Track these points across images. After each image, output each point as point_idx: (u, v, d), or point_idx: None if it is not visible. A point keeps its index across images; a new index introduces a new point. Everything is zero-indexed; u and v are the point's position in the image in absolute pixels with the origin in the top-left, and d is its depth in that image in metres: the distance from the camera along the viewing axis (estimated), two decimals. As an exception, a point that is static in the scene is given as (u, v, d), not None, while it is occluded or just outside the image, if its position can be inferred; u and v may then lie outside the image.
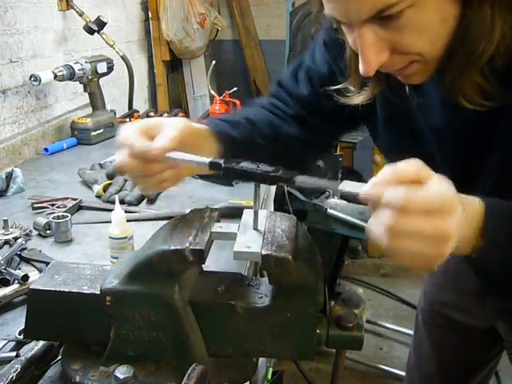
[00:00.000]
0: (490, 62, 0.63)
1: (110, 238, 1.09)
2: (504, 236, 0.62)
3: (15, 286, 0.94)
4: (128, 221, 1.12)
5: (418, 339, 1.26)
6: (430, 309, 1.19)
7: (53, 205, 1.37)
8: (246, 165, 0.66)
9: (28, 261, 1.09)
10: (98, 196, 1.47)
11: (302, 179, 0.62)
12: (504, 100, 0.65)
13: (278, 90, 0.97)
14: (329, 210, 2.36)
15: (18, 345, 0.80)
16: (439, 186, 0.54)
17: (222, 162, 0.67)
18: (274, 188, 2.14)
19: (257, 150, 0.88)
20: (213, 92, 2.61)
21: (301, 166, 0.83)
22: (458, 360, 1.18)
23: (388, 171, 0.56)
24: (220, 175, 0.68)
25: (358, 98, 0.79)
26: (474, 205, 0.62)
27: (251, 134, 0.89)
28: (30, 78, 1.85)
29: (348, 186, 0.58)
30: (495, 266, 0.66)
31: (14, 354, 0.76)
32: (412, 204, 0.53)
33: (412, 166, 0.55)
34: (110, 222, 1.11)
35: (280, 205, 2.37)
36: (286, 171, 0.64)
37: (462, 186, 0.80)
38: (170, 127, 0.73)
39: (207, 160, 0.68)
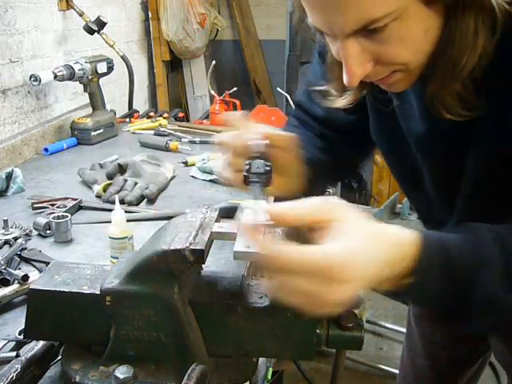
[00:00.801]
0: (470, 73, 0.63)
1: (110, 238, 1.09)
2: (439, 271, 0.58)
3: (15, 286, 0.94)
4: (128, 221, 1.12)
5: (409, 333, 1.29)
6: None
7: (53, 205, 1.37)
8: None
9: (28, 261, 1.09)
10: (98, 196, 1.47)
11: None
12: (481, 110, 0.65)
13: (297, 112, 0.98)
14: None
15: (18, 345, 0.80)
16: (322, 251, 0.53)
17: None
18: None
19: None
20: (213, 92, 2.61)
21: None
22: (447, 353, 1.19)
23: (289, 211, 0.57)
24: None
25: (340, 102, 0.80)
26: (402, 245, 0.58)
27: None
28: (30, 78, 1.85)
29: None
30: (436, 304, 0.63)
31: (14, 354, 0.76)
32: (294, 266, 0.52)
33: (315, 210, 0.56)
34: (110, 222, 1.11)
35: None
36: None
37: (446, 189, 0.81)
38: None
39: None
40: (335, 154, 0.93)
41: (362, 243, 0.54)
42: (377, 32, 0.61)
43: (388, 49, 0.63)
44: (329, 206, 0.57)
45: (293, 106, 2.43)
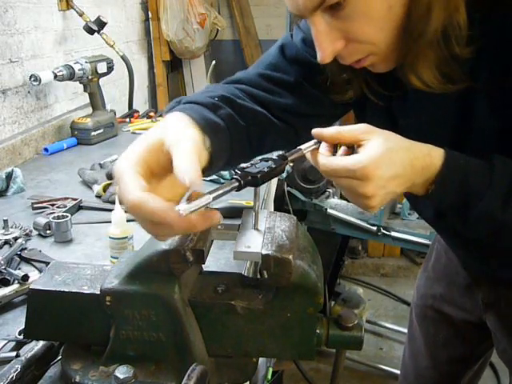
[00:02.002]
0: (449, 49, 0.67)
1: (110, 238, 1.09)
2: (457, 182, 0.68)
3: (15, 286, 0.94)
4: (128, 221, 1.12)
5: (411, 333, 1.29)
6: (422, 303, 1.21)
7: (53, 205, 1.37)
8: (253, 169, 0.65)
9: (28, 261, 1.09)
10: (98, 196, 1.47)
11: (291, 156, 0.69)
12: (466, 82, 0.69)
13: (277, 57, 0.93)
14: (329, 210, 2.37)
15: (18, 345, 0.80)
16: (357, 156, 0.64)
17: (249, 177, 0.63)
18: (274, 188, 2.14)
19: (238, 133, 0.83)
20: (213, 92, 2.61)
21: (290, 145, 0.81)
22: (450, 353, 1.20)
23: (331, 130, 0.67)
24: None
25: (342, 97, 0.84)
26: (430, 157, 0.67)
27: (233, 118, 0.82)
28: (30, 78, 1.85)
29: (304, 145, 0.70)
30: (444, 207, 0.73)
31: (14, 354, 0.76)
32: (328, 170, 0.66)
33: (353, 130, 0.66)
34: (110, 222, 1.11)
35: (280, 205, 2.37)
36: (275, 159, 0.67)
37: None
38: (180, 160, 0.60)
39: (235, 183, 0.62)
40: (287, 110, 0.90)
41: (393, 153, 0.65)
42: (340, 8, 0.65)
43: (353, 25, 0.66)
44: (364, 129, 0.67)
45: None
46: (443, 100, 0.73)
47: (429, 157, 0.67)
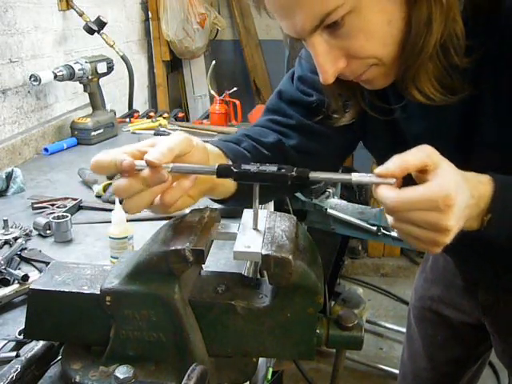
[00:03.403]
0: (448, 60, 0.66)
1: (110, 237, 1.09)
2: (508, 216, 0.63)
3: (15, 286, 0.94)
4: (128, 221, 1.12)
5: (409, 334, 1.29)
6: (420, 305, 1.22)
7: (53, 205, 1.37)
8: (252, 167, 0.65)
9: (28, 261, 1.09)
10: (98, 196, 1.47)
11: (315, 174, 0.64)
12: (466, 92, 0.68)
13: (277, 102, 0.96)
14: (329, 210, 2.36)
15: (18, 345, 0.80)
16: (435, 183, 0.57)
17: (231, 166, 0.64)
18: (274, 188, 2.13)
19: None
20: (213, 92, 2.61)
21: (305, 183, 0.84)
22: (448, 355, 1.20)
23: (395, 162, 0.59)
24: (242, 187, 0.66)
25: (343, 119, 0.83)
26: (482, 184, 0.63)
27: (257, 147, 0.87)
28: (30, 78, 1.85)
29: (357, 177, 0.61)
30: (503, 240, 0.68)
31: (14, 354, 0.76)
32: (400, 205, 0.57)
33: (419, 155, 0.58)
34: (110, 222, 1.11)
35: (280, 205, 2.37)
36: (298, 169, 0.64)
37: None
38: (166, 140, 0.66)
39: (214, 166, 0.64)
40: (294, 150, 0.91)
41: (460, 179, 0.59)
42: (337, 27, 0.64)
43: (352, 42, 0.65)
44: (427, 152, 0.59)
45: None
46: (446, 110, 0.72)
47: (481, 184, 0.63)
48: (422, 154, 0.58)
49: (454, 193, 0.56)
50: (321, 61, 0.67)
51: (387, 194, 0.58)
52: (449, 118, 0.74)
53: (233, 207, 0.87)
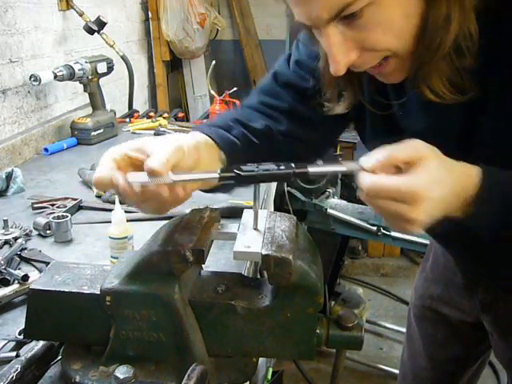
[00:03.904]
0: (461, 59, 0.66)
1: (110, 237, 1.09)
2: (497, 204, 0.65)
3: (15, 286, 0.94)
4: (128, 221, 1.12)
5: (409, 334, 1.29)
6: (420, 303, 1.22)
7: (53, 205, 1.37)
8: (252, 167, 0.65)
9: (28, 261, 1.09)
10: (98, 196, 1.47)
11: (313, 169, 0.65)
12: (473, 92, 0.68)
13: (271, 84, 0.94)
14: (329, 210, 2.36)
15: (18, 345, 0.80)
16: (411, 178, 0.60)
17: (233, 170, 0.64)
18: (274, 188, 2.14)
19: (254, 151, 0.87)
20: (213, 92, 2.61)
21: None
22: (448, 354, 1.20)
23: (383, 154, 0.61)
24: (234, 184, 0.66)
25: (337, 108, 0.81)
26: (468, 177, 0.65)
27: (246, 135, 0.87)
28: (30, 78, 1.85)
29: (349, 165, 0.64)
30: (486, 232, 0.71)
31: (14, 354, 0.76)
32: (373, 190, 0.61)
33: (407, 150, 0.61)
34: (110, 222, 1.11)
35: (280, 205, 2.37)
36: (298, 164, 0.65)
37: None
38: (158, 149, 0.68)
39: (216, 174, 0.64)
40: (286, 136, 0.91)
41: (442, 174, 0.61)
42: (355, 18, 0.62)
43: (368, 35, 0.64)
44: (416, 147, 0.62)
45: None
46: (447, 108, 0.72)
47: (467, 176, 0.65)
48: (410, 150, 0.61)
49: (424, 190, 0.59)
50: (334, 51, 0.66)
51: (365, 177, 0.61)
52: (450, 116, 0.74)
53: (233, 207, 0.87)
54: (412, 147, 0.61)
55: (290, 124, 0.90)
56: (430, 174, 0.60)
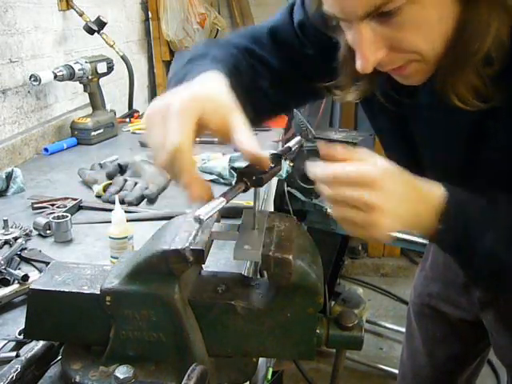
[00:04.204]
0: (488, 65, 0.64)
1: (110, 237, 1.09)
2: (462, 223, 0.66)
3: (15, 286, 0.94)
4: (128, 221, 1.12)
5: (409, 332, 1.29)
6: (420, 301, 1.22)
7: (53, 205, 1.37)
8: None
9: (28, 261, 1.09)
10: (98, 196, 1.47)
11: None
12: (497, 101, 0.65)
13: (266, 37, 0.91)
14: (329, 210, 2.36)
15: (18, 345, 0.80)
16: (367, 164, 0.61)
17: (254, 176, 0.64)
18: (274, 188, 2.14)
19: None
20: (213, 92, 2.61)
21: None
22: (447, 352, 1.20)
23: (342, 153, 0.63)
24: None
25: (349, 96, 0.79)
26: (433, 191, 0.66)
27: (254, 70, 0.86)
28: (30, 78, 1.85)
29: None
30: (453, 252, 0.73)
31: (14, 354, 0.76)
32: (329, 175, 0.61)
33: (364, 168, 0.62)
34: (110, 222, 1.11)
35: (280, 205, 2.37)
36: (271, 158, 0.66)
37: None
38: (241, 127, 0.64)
39: (242, 185, 0.64)
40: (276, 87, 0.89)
41: (399, 171, 0.63)
42: (391, 15, 0.60)
43: (402, 34, 0.62)
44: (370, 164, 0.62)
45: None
46: (458, 115, 0.70)
47: (428, 185, 0.66)
48: (367, 168, 0.61)
49: (386, 173, 0.61)
50: (364, 48, 0.64)
51: (318, 165, 0.62)
52: (460, 122, 0.73)
53: (233, 207, 0.86)
54: (371, 166, 0.62)
55: (273, 83, 0.88)
56: (388, 165, 0.62)
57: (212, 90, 0.66)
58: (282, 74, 0.89)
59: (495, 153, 0.72)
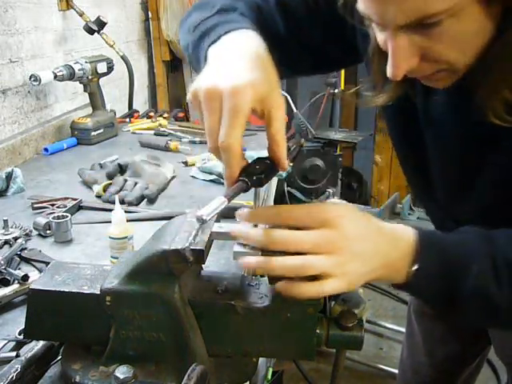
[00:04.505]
0: None
1: (110, 237, 1.09)
2: (435, 267, 0.62)
3: (15, 286, 0.94)
4: (128, 221, 1.12)
5: (409, 330, 1.29)
6: (419, 301, 1.21)
7: (53, 205, 1.37)
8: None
9: (28, 261, 1.09)
10: (98, 196, 1.47)
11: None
12: None
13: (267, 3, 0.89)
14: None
15: (18, 345, 0.80)
16: (323, 203, 0.62)
17: (255, 176, 0.64)
18: (274, 188, 2.14)
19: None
20: (213, 92, 2.61)
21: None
22: (447, 351, 1.20)
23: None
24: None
25: (378, 100, 0.78)
26: (403, 231, 0.63)
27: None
28: (30, 78, 1.85)
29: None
30: (426, 296, 0.69)
31: (14, 354, 0.76)
32: (282, 211, 0.61)
33: (310, 212, 0.60)
34: (110, 222, 1.11)
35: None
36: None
37: (455, 197, 0.81)
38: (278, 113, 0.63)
39: (243, 185, 0.63)
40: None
41: (358, 212, 0.61)
42: (430, 27, 0.59)
43: (437, 46, 0.62)
44: (322, 208, 0.61)
45: (294, 108, 2.38)
46: (467, 123, 0.70)
47: (397, 229, 0.63)
48: (315, 213, 0.60)
49: (339, 212, 0.59)
50: (397, 55, 0.63)
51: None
52: (467, 129, 0.72)
53: (233, 207, 0.86)
54: (319, 210, 0.60)
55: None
56: (343, 205, 0.61)
57: (262, 75, 0.63)
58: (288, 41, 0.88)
59: (501, 156, 0.71)
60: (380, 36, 0.66)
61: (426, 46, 0.62)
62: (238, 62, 0.64)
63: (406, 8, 0.57)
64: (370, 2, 0.61)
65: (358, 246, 0.59)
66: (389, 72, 0.65)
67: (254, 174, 0.63)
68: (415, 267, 0.62)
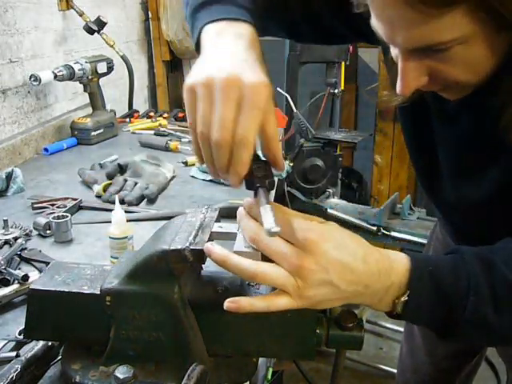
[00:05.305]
0: None
1: (110, 237, 1.09)
2: (427, 299, 0.62)
3: (15, 286, 0.94)
4: (128, 221, 1.12)
5: (408, 330, 1.30)
6: None
7: (53, 205, 1.37)
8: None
9: (28, 261, 1.09)
10: (98, 196, 1.47)
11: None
12: None
13: None
14: (329, 210, 2.37)
15: (18, 345, 0.80)
16: (307, 222, 0.59)
17: (267, 180, 0.64)
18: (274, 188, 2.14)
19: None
20: (213, 92, 2.61)
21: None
22: (447, 349, 1.21)
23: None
24: None
25: (395, 100, 0.78)
26: (395, 263, 0.62)
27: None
28: (30, 78, 1.85)
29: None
30: (419, 324, 0.69)
31: (14, 354, 0.76)
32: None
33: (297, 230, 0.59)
34: (110, 222, 1.11)
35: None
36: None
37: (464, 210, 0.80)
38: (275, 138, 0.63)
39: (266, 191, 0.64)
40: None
41: (347, 237, 0.63)
42: (439, 52, 0.59)
43: (447, 69, 0.61)
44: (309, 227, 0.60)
45: (294, 108, 2.38)
46: (477, 131, 0.70)
47: (387, 259, 0.61)
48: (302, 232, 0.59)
49: (321, 236, 0.58)
50: (406, 74, 0.63)
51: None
52: (477, 137, 0.73)
53: (233, 207, 0.86)
54: (305, 230, 0.59)
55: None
56: (328, 227, 0.61)
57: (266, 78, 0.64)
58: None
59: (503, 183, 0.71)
60: (393, 50, 0.66)
61: (435, 67, 0.62)
62: (244, 59, 0.66)
63: (413, 35, 0.57)
64: (380, 25, 0.61)
65: (331, 274, 0.57)
66: (398, 89, 0.65)
67: (258, 176, 0.63)
68: (404, 298, 0.62)
